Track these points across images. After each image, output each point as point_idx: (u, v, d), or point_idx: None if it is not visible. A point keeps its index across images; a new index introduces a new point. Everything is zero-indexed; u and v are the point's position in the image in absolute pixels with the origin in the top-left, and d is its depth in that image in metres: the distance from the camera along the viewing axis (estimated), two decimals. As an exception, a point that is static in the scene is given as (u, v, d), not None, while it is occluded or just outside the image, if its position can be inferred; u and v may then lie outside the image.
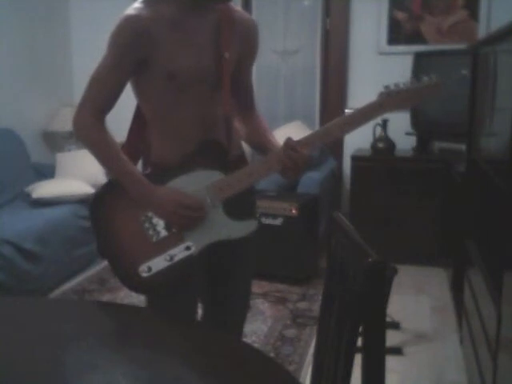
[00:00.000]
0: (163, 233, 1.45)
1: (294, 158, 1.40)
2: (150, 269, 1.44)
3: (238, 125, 1.60)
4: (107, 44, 1.39)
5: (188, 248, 1.45)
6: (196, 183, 1.44)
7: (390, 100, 1.41)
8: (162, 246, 1.45)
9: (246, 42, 1.53)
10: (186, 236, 1.45)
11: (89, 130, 1.42)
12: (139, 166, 1.54)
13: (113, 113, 1.44)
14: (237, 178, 1.44)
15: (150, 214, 1.45)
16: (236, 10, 1.51)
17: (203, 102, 1.45)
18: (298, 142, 1.42)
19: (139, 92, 1.48)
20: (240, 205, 1.47)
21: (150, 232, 1.45)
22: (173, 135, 1.47)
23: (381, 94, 1.42)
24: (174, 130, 1.46)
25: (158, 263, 1.44)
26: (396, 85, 1.42)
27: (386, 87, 1.41)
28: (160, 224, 1.45)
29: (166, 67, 1.38)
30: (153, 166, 1.50)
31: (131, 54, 1.38)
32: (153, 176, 1.45)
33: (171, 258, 1.44)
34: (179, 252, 1.45)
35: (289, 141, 1.41)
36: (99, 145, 1.43)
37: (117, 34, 1.37)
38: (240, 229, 1.49)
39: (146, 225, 1.45)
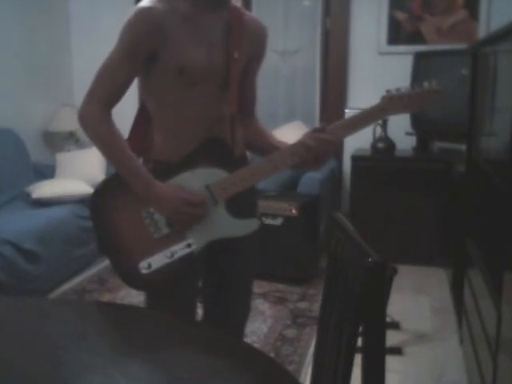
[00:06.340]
0: (165, 229, 1.44)
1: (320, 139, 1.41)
2: (149, 265, 1.43)
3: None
4: (118, 36, 1.38)
5: (189, 245, 1.44)
6: (198, 181, 1.44)
7: (391, 104, 1.42)
8: (162, 243, 1.44)
9: (255, 44, 1.53)
10: (188, 233, 1.45)
11: (96, 122, 1.40)
12: (141, 161, 1.53)
13: (115, 108, 1.42)
14: (240, 177, 1.44)
15: (151, 210, 1.44)
16: (246, 13, 1.52)
17: (210, 100, 1.45)
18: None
19: (146, 87, 1.47)
20: (242, 203, 1.48)
21: (152, 228, 1.45)
22: (177, 132, 1.46)
23: (383, 98, 1.42)
24: (178, 127, 1.46)
25: (158, 260, 1.43)
26: (398, 89, 1.42)
27: (388, 91, 1.42)
28: (161, 220, 1.44)
29: (177, 62, 1.38)
30: (155, 162, 1.49)
31: (143, 47, 1.37)
32: (154, 172, 1.44)
33: (172, 255, 1.44)
34: (180, 249, 1.44)
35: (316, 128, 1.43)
36: (106, 138, 1.41)
37: (129, 26, 1.36)
38: (242, 227, 1.49)
39: (148, 221, 1.44)
